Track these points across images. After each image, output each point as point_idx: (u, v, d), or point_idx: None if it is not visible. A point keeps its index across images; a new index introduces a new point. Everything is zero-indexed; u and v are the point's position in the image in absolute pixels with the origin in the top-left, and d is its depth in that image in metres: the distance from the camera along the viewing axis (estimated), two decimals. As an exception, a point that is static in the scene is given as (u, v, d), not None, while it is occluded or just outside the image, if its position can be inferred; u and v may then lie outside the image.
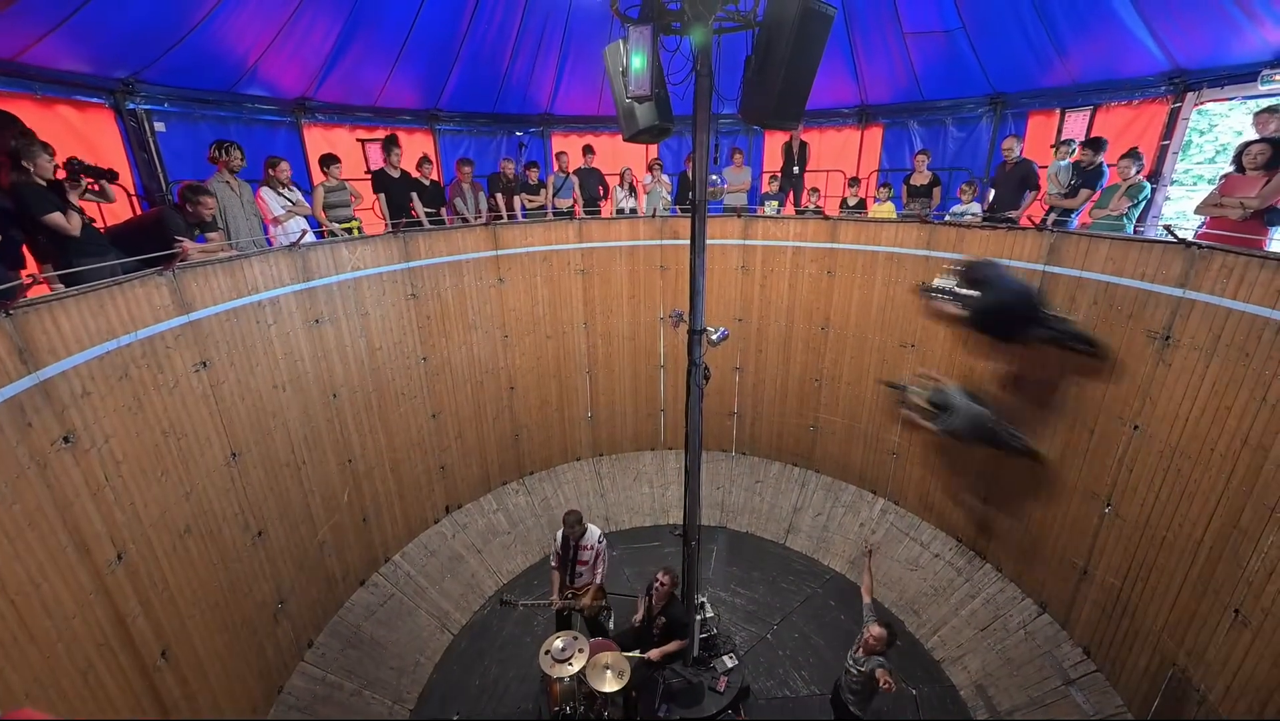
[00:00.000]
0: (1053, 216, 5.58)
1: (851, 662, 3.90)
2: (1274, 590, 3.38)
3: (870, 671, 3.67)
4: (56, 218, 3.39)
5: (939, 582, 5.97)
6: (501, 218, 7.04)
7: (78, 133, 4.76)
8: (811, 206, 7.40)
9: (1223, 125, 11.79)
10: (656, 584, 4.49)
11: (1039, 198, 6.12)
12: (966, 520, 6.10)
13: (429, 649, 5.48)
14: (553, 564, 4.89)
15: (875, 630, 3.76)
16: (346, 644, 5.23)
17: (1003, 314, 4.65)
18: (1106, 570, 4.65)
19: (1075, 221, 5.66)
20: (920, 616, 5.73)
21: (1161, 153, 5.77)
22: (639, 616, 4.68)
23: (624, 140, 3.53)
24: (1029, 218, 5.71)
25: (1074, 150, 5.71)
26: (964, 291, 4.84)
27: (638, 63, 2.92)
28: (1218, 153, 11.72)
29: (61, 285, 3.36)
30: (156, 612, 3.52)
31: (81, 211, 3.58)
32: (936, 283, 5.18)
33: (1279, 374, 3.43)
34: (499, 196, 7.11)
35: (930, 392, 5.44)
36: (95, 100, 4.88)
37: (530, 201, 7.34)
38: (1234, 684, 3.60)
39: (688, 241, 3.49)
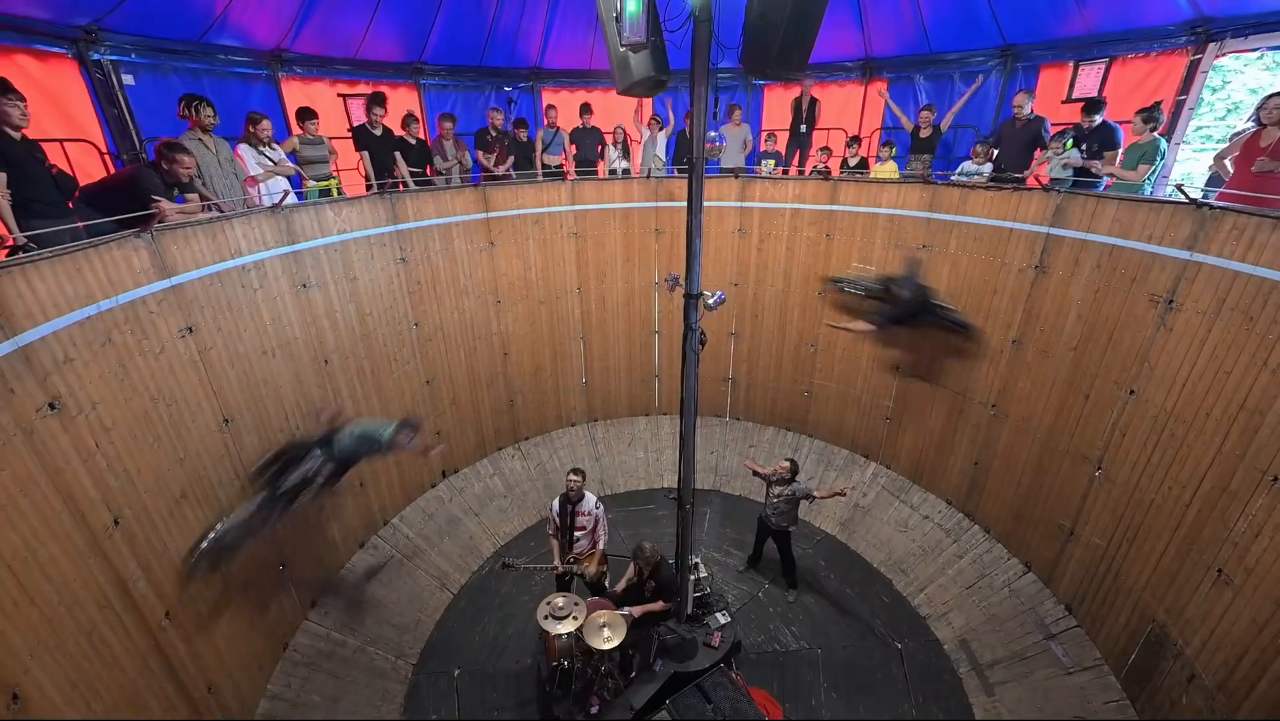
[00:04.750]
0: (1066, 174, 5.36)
1: (775, 495, 5.20)
2: (1259, 550, 3.45)
3: (792, 495, 5.09)
4: None
5: (927, 543, 6.10)
6: (492, 175, 6.77)
7: (41, 86, 4.51)
8: (821, 166, 7.11)
9: (1236, 82, 11.37)
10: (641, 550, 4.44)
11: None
12: (958, 482, 6.19)
13: (429, 607, 5.62)
14: (550, 531, 4.93)
15: (782, 462, 5.21)
16: (349, 602, 5.36)
17: (908, 312, 5.72)
18: (1093, 531, 4.75)
19: (1104, 185, 5.37)
20: (908, 575, 5.88)
21: (1177, 109, 5.55)
22: (621, 584, 4.72)
23: (618, 93, 3.35)
24: (1036, 178, 5.54)
25: (1067, 147, 5.47)
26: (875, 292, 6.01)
27: (633, 6, 2.73)
28: (1229, 111, 11.34)
29: (33, 247, 3.21)
30: (158, 576, 3.56)
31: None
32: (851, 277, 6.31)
33: (1281, 338, 3.40)
34: (484, 153, 6.78)
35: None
36: (57, 50, 4.61)
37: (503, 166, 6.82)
38: (1211, 639, 3.72)
39: (683, 204, 3.37)
